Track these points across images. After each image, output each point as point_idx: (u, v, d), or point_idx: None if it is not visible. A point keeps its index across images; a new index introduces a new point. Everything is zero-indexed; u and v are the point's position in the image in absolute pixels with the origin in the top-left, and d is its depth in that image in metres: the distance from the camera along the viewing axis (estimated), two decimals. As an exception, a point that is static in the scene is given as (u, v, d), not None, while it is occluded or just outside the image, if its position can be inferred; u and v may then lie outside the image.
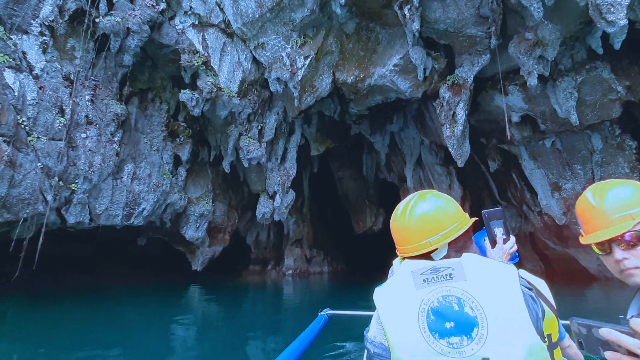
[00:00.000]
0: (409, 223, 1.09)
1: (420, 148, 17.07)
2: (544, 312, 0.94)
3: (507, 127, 9.73)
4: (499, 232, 1.37)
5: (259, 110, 13.57)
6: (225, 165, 13.49)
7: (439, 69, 11.07)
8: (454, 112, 10.59)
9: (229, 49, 12.28)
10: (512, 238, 1.40)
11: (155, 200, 11.00)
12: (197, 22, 11.50)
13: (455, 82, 10.35)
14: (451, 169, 17.07)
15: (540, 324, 0.91)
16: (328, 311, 2.50)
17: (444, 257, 1.06)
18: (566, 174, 13.13)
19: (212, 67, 11.68)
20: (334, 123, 16.41)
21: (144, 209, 10.82)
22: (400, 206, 1.15)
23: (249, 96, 12.98)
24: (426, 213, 1.09)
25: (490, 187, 18.33)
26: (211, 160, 14.06)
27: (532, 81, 8.77)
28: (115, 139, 9.99)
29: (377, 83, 11.81)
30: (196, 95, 10.79)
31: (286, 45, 11.88)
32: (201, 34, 11.60)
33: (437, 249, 1.06)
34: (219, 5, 11.74)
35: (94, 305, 9.51)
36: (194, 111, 10.96)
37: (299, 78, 11.62)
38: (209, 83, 11.00)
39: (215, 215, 14.43)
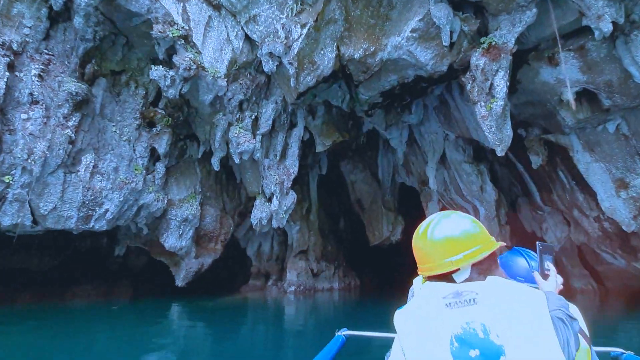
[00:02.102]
0: (431, 241, 1.06)
1: (444, 144, 14.64)
2: (576, 336, 0.93)
3: (569, 92, 7.25)
4: (549, 265, 1.32)
5: (254, 98, 11.64)
6: (214, 162, 11.53)
7: (469, 33, 8.81)
8: (492, 84, 8.25)
9: (215, 23, 10.51)
10: (553, 270, 1.31)
11: (121, 199, 9.09)
12: (176, -8, 9.78)
13: (493, 43, 8.05)
14: (482, 167, 14.51)
15: (572, 351, 0.89)
16: (345, 331, 2.24)
17: (466, 280, 1.02)
18: (636, 167, 10.37)
19: (193, 42, 9.89)
20: (342, 115, 14.29)
21: (106, 210, 8.92)
22: (423, 224, 1.12)
23: (241, 80, 11.10)
24: (449, 232, 1.05)
25: (529, 190, 15.55)
26: (199, 156, 12.15)
27: (605, 27, 6.39)
28: (70, 123, 8.22)
29: (391, 56, 9.66)
30: (171, 73, 8.96)
31: (281, 16, 9.98)
32: (181, 5, 9.87)
33: (459, 269, 1.03)
34: (203, -27, 10.03)
35: (54, 327, 7.78)
36: (168, 92, 9.12)
37: (295, 52, 9.63)
38: (188, 59, 9.16)
39: (205, 221, 12.42)
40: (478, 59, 8.34)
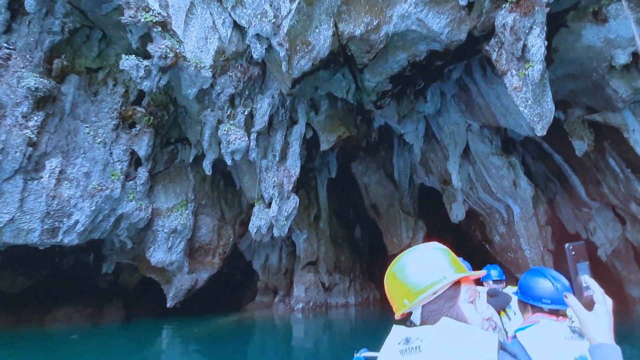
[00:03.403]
0: (386, 283, 1.05)
1: (467, 135, 12.89)
2: None
3: (637, 36, 5.51)
4: (588, 280, 0.89)
5: (246, 92, 10.46)
6: (206, 165, 10.34)
7: (491, -10, 7.25)
8: (525, 46, 6.61)
9: (198, 10, 9.46)
10: (598, 289, 0.89)
11: (93, 209, 7.98)
12: (153, -23, 8.80)
13: (523, -6, 6.46)
14: (514, 159, 12.62)
15: None
16: (365, 352, 1.89)
17: (421, 323, 0.97)
18: None
19: (173, 31, 8.84)
20: (349, 110, 12.89)
21: (76, 221, 7.82)
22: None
23: (230, 72, 9.94)
24: (400, 271, 1.01)
25: (570, 184, 13.44)
26: (191, 160, 11.02)
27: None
28: (30, 123, 7.23)
29: (398, 29, 8.22)
30: (145, 63, 7.88)
31: (270, -6, 8.79)
32: (159, -10, 8.87)
33: (412, 312, 0.99)
34: (183, -44, 9.03)
35: (31, 356, 6.66)
36: (143, 85, 8.04)
37: (285, 30, 8.37)
38: (164, 46, 8.07)
39: (200, 232, 11.19)
40: (505, 17, 6.75)
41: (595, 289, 0.88)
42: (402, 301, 0.95)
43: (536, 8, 6.49)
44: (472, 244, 16.69)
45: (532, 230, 12.21)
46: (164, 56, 8.04)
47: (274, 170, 10.93)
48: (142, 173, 9.18)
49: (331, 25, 8.62)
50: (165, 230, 9.66)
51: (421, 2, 7.63)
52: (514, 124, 11.06)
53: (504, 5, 6.89)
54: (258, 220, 10.54)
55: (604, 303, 0.86)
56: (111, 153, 8.70)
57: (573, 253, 0.93)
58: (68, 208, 7.67)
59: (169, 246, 9.81)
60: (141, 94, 9.85)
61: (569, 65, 8.89)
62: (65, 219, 7.66)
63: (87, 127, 8.49)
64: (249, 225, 10.62)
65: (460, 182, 12.72)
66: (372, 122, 13.98)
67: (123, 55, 7.85)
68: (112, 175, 8.53)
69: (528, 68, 6.56)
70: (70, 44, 8.70)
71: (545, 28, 6.56)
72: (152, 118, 9.25)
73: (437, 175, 15.19)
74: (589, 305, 0.86)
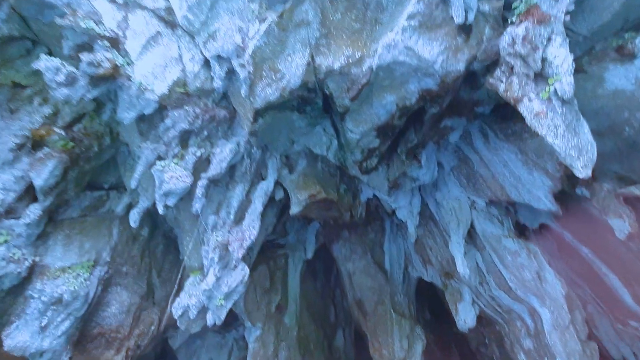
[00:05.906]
0: None
1: (471, 214, 10.69)
2: None
3: None
4: None
5: (205, 132, 8.75)
6: (133, 215, 7.92)
7: (490, 14, 6.16)
8: (544, 59, 5.05)
9: (165, 40, 8.48)
10: None
11: None
12: (121, 1, 8.10)
13: (534, 3, 5.21)
14: (532, 246, 10.08)
15: None
16: None
17: None
18: None
19: (125, 51, 7.63)
20: (331, 174, 11.02)
21: None
22: None
23: (188, 107, 8.42)
24: None
25: (608, 287, 10.53)
26: (120, 210, 8.61)
27: None
28: None
29: (384, 61, 6.95)
30: (68, 69, 6.33)
31: (242, 25, 7.91)
32: (123, 13, 8.05)
33: None
34: (160, -9, 8.51)
35: None
36: (59, 91, 6.35)
37: (250, 52, 7.11)
38: (102, 56, 6.67)
39: (107, 311, 7.98)
40: (515, 30, 5.40)
41: None
42: None
43: (552, 18, 5.17)
44: (488, 366, 12.64)
45: (572, 346, 8.82)
46: (96, 64, 6.55)
47: (224, 230, 8.39)
48: (33, 211, 6.69)
49: (306, 55, 7.42)
50: (42, 298, 6.57)
51: (410, 27, 6.49)
52: (529, 196, 9.01)
53: (511, 22, 5.63)
54: (187, 298, 7.48)
55: None
56: (-5, 176, 6.43)
57: None
58: None
59: (44, 324, 6.55)
60: (74, 121, 8.10)
61: (591, 120, 7.28)
62: None
63: (-25, 140, 6.46)
64: (173, 305, 7.50)
65: (468, 270, 9.90)
66: (359, 194, 11.95)
67: (42, 55, 6.35)
68: (-18, 205, 6.07)
69: (553, 82, 4.84)
70: (0, 51, 7.39)
71: (567, 40, 5.11)
72: (71, 144, 7.27)
73: (437, 266, 12.37)
74: None
